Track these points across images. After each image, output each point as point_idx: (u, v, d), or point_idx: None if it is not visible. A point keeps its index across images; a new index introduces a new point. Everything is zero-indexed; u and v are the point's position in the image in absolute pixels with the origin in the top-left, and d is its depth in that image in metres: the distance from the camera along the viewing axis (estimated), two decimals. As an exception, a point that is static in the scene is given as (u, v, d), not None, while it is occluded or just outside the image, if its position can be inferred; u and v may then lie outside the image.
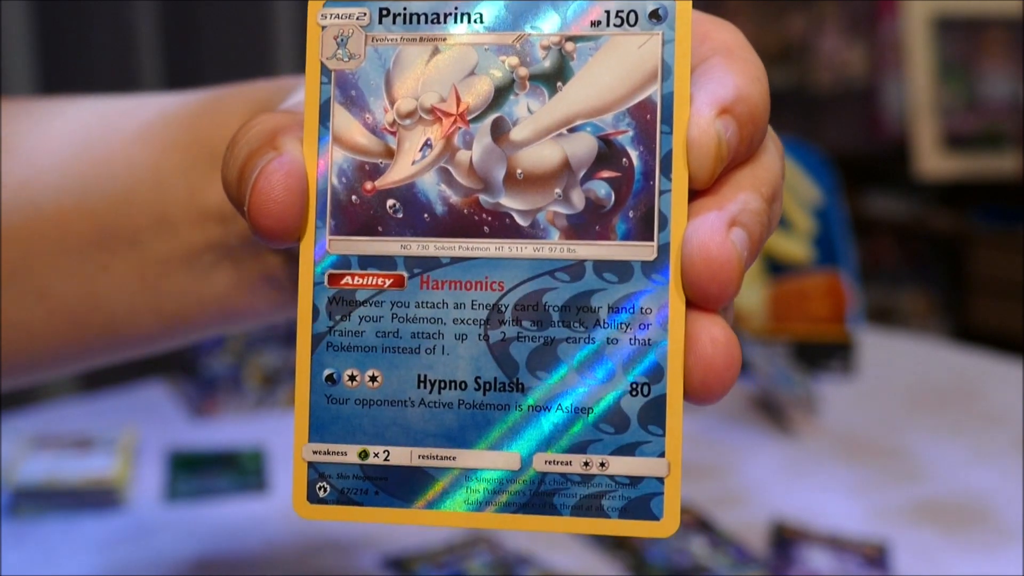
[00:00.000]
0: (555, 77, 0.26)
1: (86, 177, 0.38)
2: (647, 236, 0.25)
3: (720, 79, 0.26)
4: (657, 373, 0.25)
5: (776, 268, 1.06)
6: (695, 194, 0.26)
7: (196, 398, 0.86)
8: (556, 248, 0.26)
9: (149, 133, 0.38)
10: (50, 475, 0.68)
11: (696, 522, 0.64)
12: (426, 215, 0.26)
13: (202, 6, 1.50)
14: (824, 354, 0.97)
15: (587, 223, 0.25)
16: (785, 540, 0.62)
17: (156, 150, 0.38)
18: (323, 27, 0.26)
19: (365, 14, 0.26)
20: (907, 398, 0.91)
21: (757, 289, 1.02)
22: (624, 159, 0.25)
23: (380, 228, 0.26)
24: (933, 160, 2.32)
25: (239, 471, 0.73)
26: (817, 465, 0.76)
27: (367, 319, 0.26)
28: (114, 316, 0.38)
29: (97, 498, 0.67)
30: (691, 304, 0.25)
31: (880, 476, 0.73)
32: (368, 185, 0.26)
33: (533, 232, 0.26)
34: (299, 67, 1.57)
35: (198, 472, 0.73)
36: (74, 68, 1.39)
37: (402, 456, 0.26)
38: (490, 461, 0.25)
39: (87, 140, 0.39)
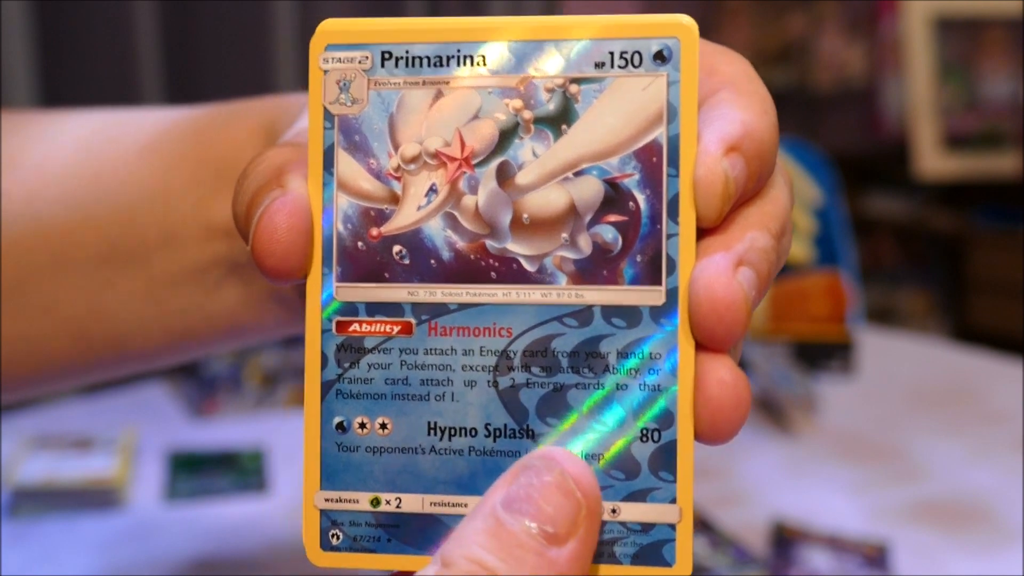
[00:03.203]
0: (560, 120, 0.25)
1: (92, 191, 0.38)
2: (655, 280, 0.25)
3: (727, 115, 0.26)
4: (667, 419, 0.25)
5: (776, 268, 1.06)
6: (703, 233, 0.26)
7: (196, 398, 0.86)
8: (564, 293, 0.25)
9: (156, 147, 0.38)
10: (50, 475, 0.68)
11: (696, 522, 0.64)
12: (433, 261, 0.26)
13: (202, 9, 1.50)
14: (824, 354, 0.97)
15: (595, 268, 0.25)
16: (785, 540, 0.62)
17: (163, 165, 0.38)
18: (325, 71, 0.26)
19: (367, 57, 0.26)
20: (907, 398, 0.91)
21: (757, 289, 1.02)
22: (631, 202, 0.25)
23: (387, 274, 0.26)
24: (933, 160, 2.32)
25: (239, 471, 0.73)
26: (817, 465, 0.76)
27: (376, 366, 0.26)
28: (121, 331, 0.38)
29: (97, 498, 0.67)
30: (699, 345, 0.25)
31: (880, 476, 0.74)
32: (374, 231, 0.26)
33: (540, 277, 0.25)
34: (298, 71, 1.57)
35: (198, 472, 0.73)
36: (74, 74, 1.39)
37: (414, 503, 0.26)
38: None
39: (93, 153, 0.39)
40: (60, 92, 1.37)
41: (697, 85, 0.25)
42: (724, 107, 0.26)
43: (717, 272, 0.24)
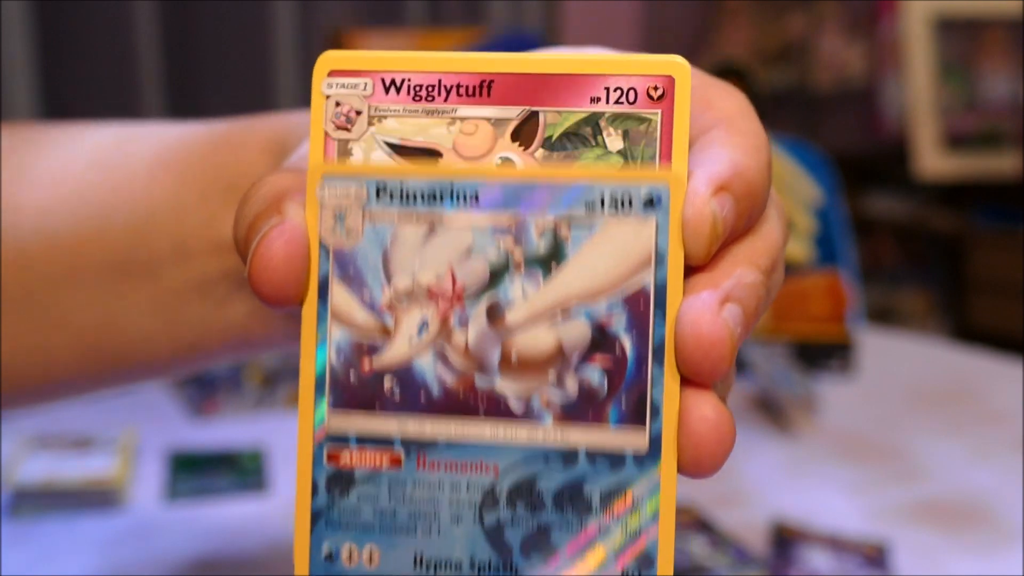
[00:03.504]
0: (550, 260, 0.26)
1: (104, 204, 0.38)
2: (640, 423, 0.25)
3: (718, 154, 0.26)
4: (647, 562, 0.25)
5: (776, 268, 1.06)
6: (691, 270, 0.26)
7: (196, 398, 0.86)
8: (550, 433, 0.26)
9: (167, 162, 0.38)
10: (50, 475, 0.68)
11: (696, 522, 0.64)
12: (423, 396, 0.26)
13: (202, 9, 1.50)
14: (824, 354, 0.97)
15: (581, 409, 0.26)
16: (785, 540, 0.62)
17: (175, 180, 0.38)
18: (322, 203, 0.27)
19: (362, 190, 0.26)
20: (907, 398, 0.91)
21: (757, 289, 1.02)
22: (618, 346, 0.26)
23: (378, 406, 0.26)
24: (933, 160, 2.32)
25: (239, 471, 0.73)
26: (817, 465, 0.76)
27: (365, 497, 0.26)
28: (130, 343, 0.39)
29: (97, 498, 0.67)
30: (685, 380, 0.25)
31: (880, 476, 0.74)
32: (366, 364, 0.26)
33: (527, 416, 0.26)
34: (298, 73, 1.57)
35: (198, 472, 0.73)
36: (74, 74, 1.39)
37: None
38: None
39: (106, 168, 0.39)
40: (60, 92, 1.37)
41: (681, 224, 0.26)
42: (716, 146, 0.26)
43: (703, 309, 0.25)
